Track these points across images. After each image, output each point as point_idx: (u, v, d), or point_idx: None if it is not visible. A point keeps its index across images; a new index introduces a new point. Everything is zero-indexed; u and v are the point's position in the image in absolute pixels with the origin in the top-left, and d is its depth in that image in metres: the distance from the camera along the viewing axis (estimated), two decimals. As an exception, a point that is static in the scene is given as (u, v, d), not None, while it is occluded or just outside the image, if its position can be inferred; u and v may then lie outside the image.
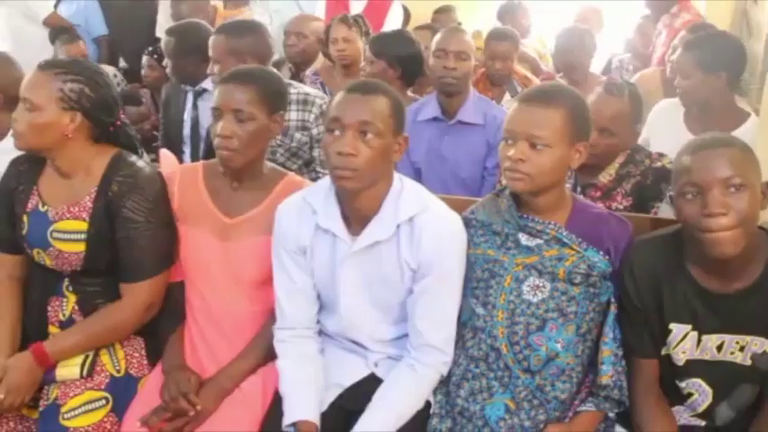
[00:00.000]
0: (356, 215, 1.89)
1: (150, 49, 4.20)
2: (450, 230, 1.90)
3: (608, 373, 1.84)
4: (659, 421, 1.83)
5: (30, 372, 1.95)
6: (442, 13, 5.16)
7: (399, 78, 3.29)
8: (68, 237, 2.00)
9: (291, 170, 2.40)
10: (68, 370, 1.97)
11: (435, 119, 2.96)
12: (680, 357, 1.82)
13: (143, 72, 4.25)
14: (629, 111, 2.42)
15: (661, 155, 2.50)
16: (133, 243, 1.99)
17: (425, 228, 1.85)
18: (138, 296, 2.00)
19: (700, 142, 1.72)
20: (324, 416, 1.88)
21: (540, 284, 1.85)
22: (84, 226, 2.00)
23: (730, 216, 1.61)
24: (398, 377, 1.90)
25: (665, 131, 2.68)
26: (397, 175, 1.93)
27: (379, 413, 1.85)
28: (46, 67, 1.98)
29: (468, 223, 1.96)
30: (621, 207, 2.43)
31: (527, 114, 1.81)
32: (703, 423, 1.89)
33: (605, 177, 2.45)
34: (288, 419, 1.83)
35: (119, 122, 2.07)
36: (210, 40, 2.82)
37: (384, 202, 1.87)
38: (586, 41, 3.94)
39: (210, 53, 2.80)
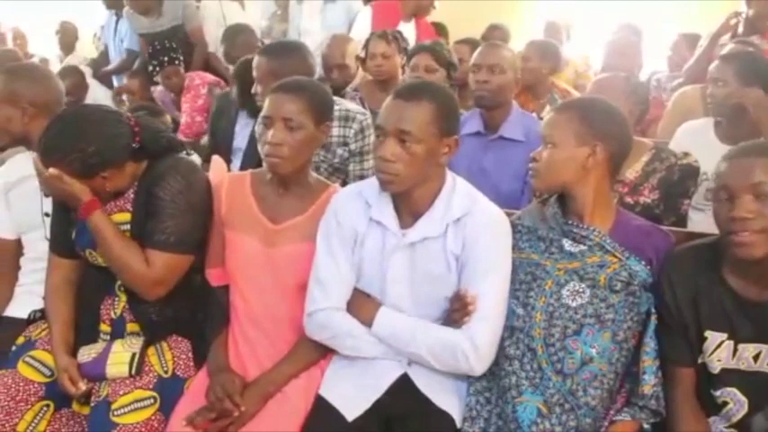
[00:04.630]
0: (408, 210, 1.97)
1: (165, 59, 4.37)
2: (495, 222, 1.97)
3: (650, 382, 1.86)
4: (696, 429, 1.85)
5: None
6: (492, 31, 5.20)
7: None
8: None
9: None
10: (117, 368, 2.03)
11: (478, 133, 2.99)
12: (715, 365, 1.84)
13: (167, 83, 4.44)
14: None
15: (686, 153, 2.58)
16: (157, 216, 2.03)
17: (472, 218, 1.93)
18: (151, 264, 2.01)
19: (737, 150, 1.78)
20: (362, 421, 1.92)
21: (581, 290, 1.89)
22: (128, 217, 2.08)
23: (757, 221, 1.66)
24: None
25: (698, 149, 2.69)
26: (450, 175, 2.00)
27: (406, 319, 1.96)
28: (47, 156, 1.98)
29: (514, 228, 2.02)
30: (649, 201, 2.51)
31: (547, 119, 2.02)
32: None
33: (632, 174, 2.53)
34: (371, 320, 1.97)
35: (138, 137, 2.06)
36: (254, 62, 2.85)
37: (436, 200, 1.95)
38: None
39: (254, 74, 2.83)
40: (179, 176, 2.06)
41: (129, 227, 2.07)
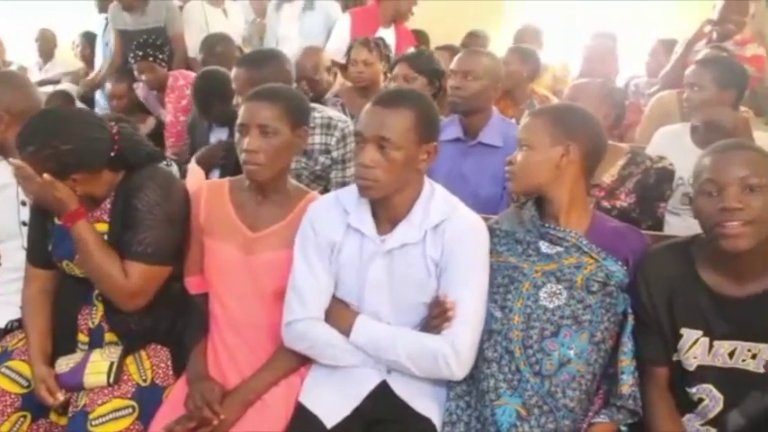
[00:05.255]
0: (386, 217, 1.98)
1: (141, 53, 4.27)
2: (474, 228, 1.98)
3: (628, 382, 1.88)
4: (672, 426, 1.87)
5: None
6: (471, 37, 5.23)
7: (433, 95, 3.36)
8: None
9: (315, 192, 2.46)
10: (95, 377, 2.02)
11: (457, 139, 3.00)
12: (691, 362, 1.86)
13: (144, 77, 4.34)
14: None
15: (661, 157, 2.61)
16: (134, 227, 2.02)
17: (450, 224, 1.94)
18: (128, 275, 2.00)
19: (721, 145, 1.80)
20: (342, 428, 1.91)
21: (558, 291, 1.90)
22: (105, 227, 2.07)
23: (746, 212, 1.68)
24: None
25: (675, 153, 2.73)
26: (428, 181, 2.02)
27: (384, 327, 1.97)
28: (23, 148, 1.98)
29: (492, 232, 2.04)
30: (626, 204, 2.53)
31: (523, 124, 2.06)
32: None
33: (608, 178, 2.54)
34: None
35: (117, 146, 2.05)
36: (232, 74, 2.86)
37: (414, 206, 1.96)
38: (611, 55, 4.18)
39: (233, 86, 2.83)
40: (156, 187, 2.05)
41: (106, 237, 2.06)
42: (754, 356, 1.80)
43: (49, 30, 6.25)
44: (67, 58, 6.23)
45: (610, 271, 1.90)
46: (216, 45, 4.25)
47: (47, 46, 6.21)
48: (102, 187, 2.08)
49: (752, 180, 1.69)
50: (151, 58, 4.34)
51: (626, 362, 1.88)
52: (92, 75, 5.39)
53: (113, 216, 2.07)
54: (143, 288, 2.04)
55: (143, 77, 4.41)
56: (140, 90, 4.64)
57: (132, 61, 4.42)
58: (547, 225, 1.97)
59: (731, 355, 1.82)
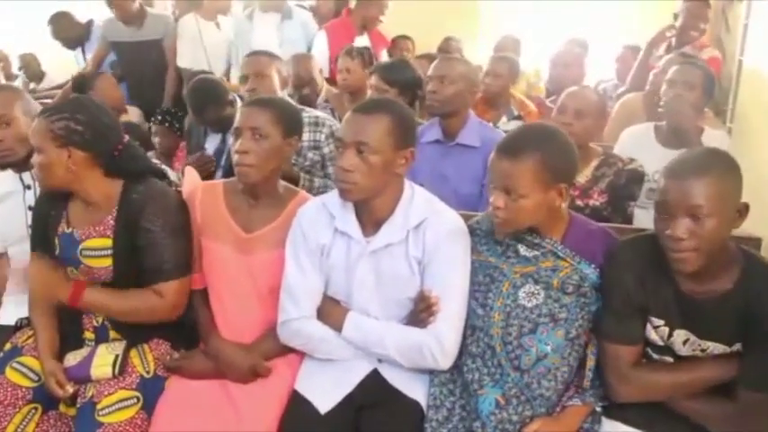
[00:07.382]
0: (370, 219, 1.96)
1: (159, 118, 4.08)
2: (453, 226, 1.97)
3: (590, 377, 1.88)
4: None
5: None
6: (446, 42, 5.25)
7: (409, 103, 3.36)
8: (96, 253, 2.05)
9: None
10: (101, 370, 2.00)
11: (437, 141, 2.98)
12: (656, 339, 1.85)
13: (156, 140, 4.12)
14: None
15: (632, 159, 2.61)
16: (153, 249, 2.02)
17: (430, 224, 1.94)
18: (164, 295, 2.03)
19: (679, 167, 1.67)
20: (335, 413, 1.91)
21: (535, 291, 1.87)
22: (109, 242, 2.04)
23: (690, 241, 1.63)
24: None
25: (641, 151, 2.74)
26: (408, 184, 2.00)
27: (373, 323, 1.97)
28: (41, 113, 2.02)
29: (473, 232, 2.01)
30: (598, 203, 2.55)
31: (504, 168, 1.81)
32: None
33: (582, 178, 2.55)
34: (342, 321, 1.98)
35: (121, 146, 2.06)
36: (246, 59, 2.98)
37: (396, 207, 1.95)
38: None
39: (250, 69, 2.89)
40: (158, 206, 2.04)
41: (109, 252, 2.04)
42: (703, 351, 1.80)
43: (30, 53, 6.07)
44: (60, 74, 6.05)
45: (584, 274, 1.87)
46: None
47: (33, 69, 6.06)
48: (98, 194, 2.06)
49: (702, 210, 1.60)
50: (167, 124, 4.08)
51: (592, 361, 1.89)
52: None
53: (117, 231, 2.04)
54: (180, 300, 2.07)
55: (156, 140, 4.12)
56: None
57: (152, 124, 4.19)
58: (523, 234, 1.91)
59: (684, 343, 1.81)
